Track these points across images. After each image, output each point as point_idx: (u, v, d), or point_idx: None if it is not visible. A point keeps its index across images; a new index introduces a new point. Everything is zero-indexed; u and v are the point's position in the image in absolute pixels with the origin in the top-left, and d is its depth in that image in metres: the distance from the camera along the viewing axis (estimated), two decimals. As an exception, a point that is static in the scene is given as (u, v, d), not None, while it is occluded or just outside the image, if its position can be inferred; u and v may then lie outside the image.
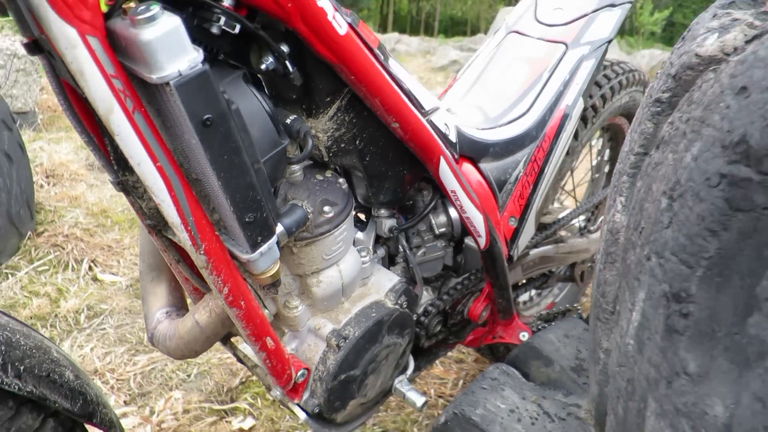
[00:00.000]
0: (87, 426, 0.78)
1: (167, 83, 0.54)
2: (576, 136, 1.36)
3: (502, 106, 1.18)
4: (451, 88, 1.29)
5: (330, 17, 0.66)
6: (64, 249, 2.42)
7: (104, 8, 0.53)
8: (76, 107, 0.62)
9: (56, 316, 2.03)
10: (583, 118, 1.39)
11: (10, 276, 2.24)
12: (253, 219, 0.68)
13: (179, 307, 0.92)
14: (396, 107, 0.80)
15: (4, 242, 2.31)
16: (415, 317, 1.09)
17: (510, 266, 1.19)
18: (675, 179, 0.53)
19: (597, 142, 1.80)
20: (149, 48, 0.52)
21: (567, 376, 1.00)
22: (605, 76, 1.44)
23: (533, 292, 1.76)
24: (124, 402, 1.68)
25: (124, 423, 1.58)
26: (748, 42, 0.53)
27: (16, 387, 0.60)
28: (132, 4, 0.53)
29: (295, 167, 0.81)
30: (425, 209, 1.03)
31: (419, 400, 1.00)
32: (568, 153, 1.31)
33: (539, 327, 1.34)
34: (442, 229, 1.09)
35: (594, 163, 1.79)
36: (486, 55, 1.31)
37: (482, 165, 1.09)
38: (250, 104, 0.65)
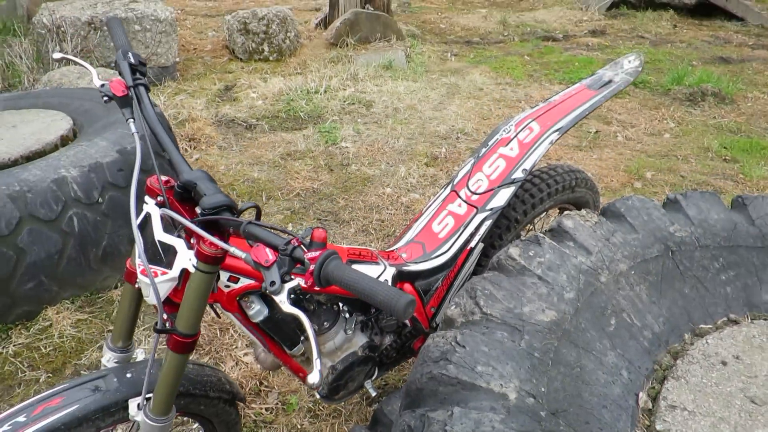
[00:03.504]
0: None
1: (257, 323, 1.67)
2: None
3: (434, 245, 2.18)
4: (416, 221, 2.29)
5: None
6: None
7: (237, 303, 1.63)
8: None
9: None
10: (508, 226, 2.35)
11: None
12: (288, 344, 1.82)
13: (267, 346, 2.11)
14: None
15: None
16: (378, 353, 2.22)
17: (431, 330, 2.27)
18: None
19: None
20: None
21: None
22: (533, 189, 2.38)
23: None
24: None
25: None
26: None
27: (212, 396, 1.82)
28: (246, 299, 1.63)
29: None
30: (374, 311, 2.11)
31: (373, 393, 2.17)
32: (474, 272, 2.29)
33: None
34: None
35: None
36: (436, 204, 2.28)
37: (417, 283, 2.13)
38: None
